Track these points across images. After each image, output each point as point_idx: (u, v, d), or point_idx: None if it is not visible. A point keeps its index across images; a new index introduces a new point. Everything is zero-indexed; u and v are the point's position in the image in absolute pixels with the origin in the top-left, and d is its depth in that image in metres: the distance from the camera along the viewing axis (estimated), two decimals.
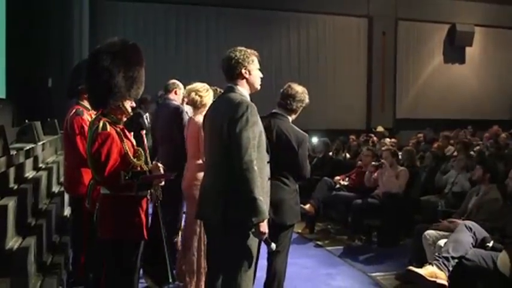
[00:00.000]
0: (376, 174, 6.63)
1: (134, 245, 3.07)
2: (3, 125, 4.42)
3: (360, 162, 7.32)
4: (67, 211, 5.67)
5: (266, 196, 3.03)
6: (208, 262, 3.33)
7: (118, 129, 3.05)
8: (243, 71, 3.07)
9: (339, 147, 9.55)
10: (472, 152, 7.43)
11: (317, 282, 5.04)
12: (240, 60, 3.06)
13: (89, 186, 3.38)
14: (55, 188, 5.81)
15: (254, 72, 3.12)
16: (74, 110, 4.23)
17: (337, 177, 7.19)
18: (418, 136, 11.07)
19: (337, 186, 7.11)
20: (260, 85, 3.17)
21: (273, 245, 3.08)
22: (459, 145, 7.71)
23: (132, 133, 3.28)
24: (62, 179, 5.92)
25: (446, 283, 3.92)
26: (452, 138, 9.71)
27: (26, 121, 6.12)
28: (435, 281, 3.92)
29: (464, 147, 7.37)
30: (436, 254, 4.17)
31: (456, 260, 4.00)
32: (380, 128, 12.96)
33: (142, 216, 3.09)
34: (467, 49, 15.34)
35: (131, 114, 3.19)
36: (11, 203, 3.53)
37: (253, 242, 2.98)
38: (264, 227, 2.88)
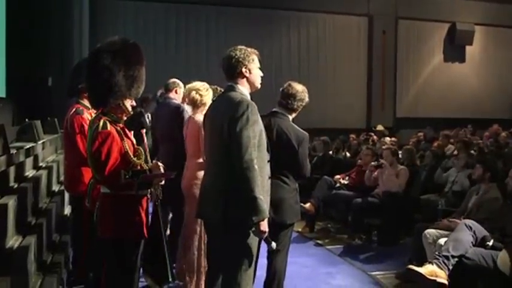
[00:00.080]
0: (376, 173, 6.63)
1: (134, 244, 3.07)
2: (3, 124, 4.42)
3: (360, 161, 7.33)
4: (67, 210, 5.67)
5: (266, 195, 3.03)
6: (208, 261, 3.33)
7: (118, 128, 3.05)
8: (244, 70, 3.07)
9: (339, 146, 9.55)
10: (472, 151, 7.43)
11: (317, 281, 5.04)
12: (241, 59, 3.05)
13: (89, 185, 3.38)
14: (55, 187, 5.81)
15: (254, 71, 3.11)
16: (74, 109, 4.23)
17: (337, 176, 7.19)
18: (418, 135, 11.07)
19: (337, 185, 7.11)
20: (260, 84, 3.17)
21: (273, 244, 3.08)
22: (459, 144, 7.71)
23: (132, 132, 3.27)
24: (62, 178, 5.92)
25: (446, 282, 3.92)
26: (452, 137, 9.71)
27: (26, 120, 6.13)
28: (435, 280, 3.92)
29: (464, 146, 7.37)
30: (436, 252, 4.17)
31: (456, 259, 4.00)
32: (380, 127, 12.96)
33: (143, 215, 3.09)
34: (468, 48, 15.34)
35: (131, 113, 3.19)
36: (11, 202, 3.53)
37: (253, 240, 2.98)
38: (264, 226, 2.88)
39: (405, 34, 14.86)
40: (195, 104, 4.36)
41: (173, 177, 3.34)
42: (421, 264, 4.10)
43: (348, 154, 9.13)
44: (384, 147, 7.64)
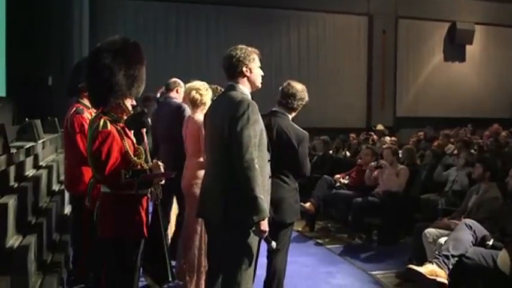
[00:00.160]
0: (376, 172, 6.63)
1: (135, 243, 3.07)
2: (3, 123, 4.42)
3: (359, 160, 7.33)
4: (67, 209, 5.68)
5: (267, 194, 3.03)
6: (208, 260, 3.33)
7: (119, 128, 3.05)
8: (244, 69, 3.07)
9: (339, 145, 9.55)
10: (472, 151, 7.43)
11: (317, 281, 5.04)
12: (241, 59, 3.05)
13: (89, 184, 3.38)
14: (55, 186, 5.81)
15: (255, 70, 3.11)
16: (74, 108, 4.23)
17: (337, 176, 7.19)
18: (418, 134, 11.08)
19: (337, 184, 7.11)
20: (261, 83, 3.17)
21: (273, 244, 3.08)
22: (459, 143, 7.71)
23: (132, 131, 3.27)
24: (62, 177, 5.93)
25: (446, 281, 3.93)
26: (452, 137, 9.72)
27: (26, 119, 6.14)
28: (435, 279, 3.92)
29: (464, 145, 7.37)
30: (436, 252, 4.17)
31: (456, 258, 4.01)
32: (380, 126, 12.97)
33: (143, 214, 3.09)
34: (468, 47, 15.33)
35: (132, 112, 3.19)
36: (11, 201, 3.53)
37: (253, 240, 2.98)
38: (265, 225, 2.88)
39: (405, 33, 14.85)
40: (195, 104, 4.35)
41: (173, 176, 3.34)
42: (421, 264, 4.10)
43: (348, 153, 9.13)
44: (384, 146, 7.64)
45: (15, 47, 6.62)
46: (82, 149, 3.99)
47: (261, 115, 3.03)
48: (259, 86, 3.16)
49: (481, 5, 15.03)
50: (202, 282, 4.14)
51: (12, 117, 6.60)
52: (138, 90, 3.14)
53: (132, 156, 3.03)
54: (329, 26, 14.20)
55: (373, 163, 6.69)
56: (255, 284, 3.27)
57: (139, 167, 3.05)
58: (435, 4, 14.50)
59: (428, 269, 3.95)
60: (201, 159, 4.14)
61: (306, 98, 3.79)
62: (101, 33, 10.14)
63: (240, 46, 3.12)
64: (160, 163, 3.22)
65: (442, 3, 14.62)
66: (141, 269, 3.27)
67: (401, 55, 14.85)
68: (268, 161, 3.10)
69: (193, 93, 4.33)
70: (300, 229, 6.82)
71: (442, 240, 4.34)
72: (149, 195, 3.19)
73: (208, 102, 4.25)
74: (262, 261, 3.53)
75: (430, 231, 4.69)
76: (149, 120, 5.42)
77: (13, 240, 3.56)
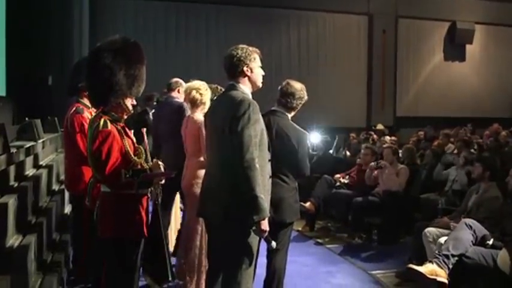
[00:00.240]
0: (376, 172, 6.63)
1: (135, 243, 3.07)
2: (3, 123, 4.42)
3: (359, 160, 7.33)
4: (67, 209, 5.68)
5: (267, 194, 3.03)
6: (209, 260, 3.33)
7: (119, 127, 3.05)
8: (245, 68, 3.07)
9: (339, 145, 9.55)
10: (472, 150, 7.43)
11: (317, 280, 5.04)
12: (242, 58, 3.05)
13: (89, 184, 3.38)
14: (55, 186, 5.81)
15: (256, 70, 3.11)
16: (74, 108, 4.23)
17: (337, 175, 7.19)
18: (419, 134, 11.07)
19: (337, 184, 7.11)
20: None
21: (273, 243, 3.08)
22: (459, 143, 7.71)
23: (132, 131, 3.28)
24: (62, 177, 5.92)
25: (446, 281, 3.93)
26: (452, 136, 9.70)
27: (26, 119, 6.13)
28: (435, 279, 3.92)
29: (464, 145, 7.37)
30: (436, 251, 4.17)
31: (456, 258, 4.01)
32: (380, 126, 12.96)
33: (143, 214, 3.09)
34: (468, 47, 15.32)
35: (132, 112, 3.19)
36: (11, 201, 3.53)
37: (253, 239, 2.98)
38: (265, 225, 2.88)
39: (405, 33, 14.84)
40: (195, 103, 4.34)
41: (173, 176, 3.34)
42: (421, 263, 4.10)
43: (348, 153, 9.13)
44: (384, 146, 7.64)
45: (15, 47, 6.62)
46: (82, 148, 3.99)
47: (261, 114, 3.03)
48: (260, 85, 3.16)
49: (481, 4, 15.03)
50: (203, 281, 4.14)
51: (12, 117, 6.60)
52: (139, 89, 3.15)
53: (132, 155, 3.03)
54: (329, 26, 14.19)
55: (373, 163, 6.69)
56: (255, 284, 3.27)
57: (139, 166, 3.05)
58: (435, 4, 14.50)
59: (428, 269, 3.95)
60: (201, 159, 4.14)
61: (305, 97, 3.79)
62: (101, 33, 10.13)
63: (241, 46, 3.12)
64: (160, 162, 3.22)
65: (442, 2, 14.61)
66: (141, 269, 3.27)
67: (401, 55, 14.84)
68: (269, 160, 3.10)
69: (193, 92, 4.32)
70: (300, 229, 6.82)
71: (442, 239, 4.34)
72: (149, 195, 3.19)
73: (208, 102, 4.25)
74: (262, 260, 3.53)
75: (430, 230, 4.69)
76: (151, 117, 5.43)
77: (13, 240, 3.56)
